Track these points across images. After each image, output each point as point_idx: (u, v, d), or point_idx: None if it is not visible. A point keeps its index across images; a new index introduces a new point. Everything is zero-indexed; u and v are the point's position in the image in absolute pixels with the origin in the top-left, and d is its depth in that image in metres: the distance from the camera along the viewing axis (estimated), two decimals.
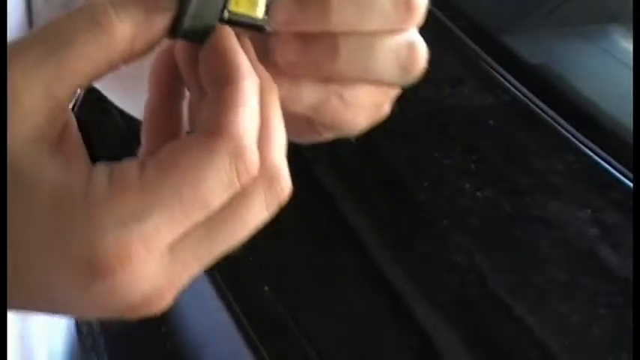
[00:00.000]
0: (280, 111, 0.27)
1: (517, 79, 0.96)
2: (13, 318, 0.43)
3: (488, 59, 0.99)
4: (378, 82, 0.31)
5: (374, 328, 0.69)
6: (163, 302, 0.27)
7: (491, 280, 0.72)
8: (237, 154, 0.25)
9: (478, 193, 0.81)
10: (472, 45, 1.02)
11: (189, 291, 0.80)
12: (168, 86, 0.28)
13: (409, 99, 1.03)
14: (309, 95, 0.29)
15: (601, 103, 0.93)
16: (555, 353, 0.66)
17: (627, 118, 0.88)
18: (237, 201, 0.26)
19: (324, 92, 0.29)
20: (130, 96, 0.35)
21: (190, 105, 0.28)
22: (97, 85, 0.37)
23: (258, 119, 0.26)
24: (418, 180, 0.82)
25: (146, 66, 0.28)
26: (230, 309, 0.70)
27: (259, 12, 0.27)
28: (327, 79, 0.29)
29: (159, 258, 0.25)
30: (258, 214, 0.26)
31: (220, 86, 0.26)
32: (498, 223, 0.78)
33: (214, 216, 0.26)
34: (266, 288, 0.71)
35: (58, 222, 0.24)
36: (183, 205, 0.25)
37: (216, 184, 0.25)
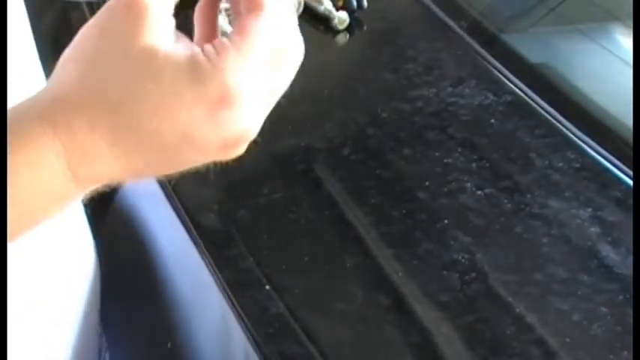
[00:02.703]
0: None
1: (518, 78, 0.96)
2: (13, 318, 0.43)
3: (489, 58, 0.99)
4: None
5: (375, 326, 0.69)
6: (249, 141, 0.39)
7: (491, 278, 0.72)
8: (278, 19, 0.40)
9: (479, 192, 0.81)
10: (473, 44, 1.02)
11: (191, 290, 0.81)
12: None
13: (410, 98, 1.04)
14: None
15: (601, 102, 0.93)
16: (556, 351, 0.66)
17: (627, 116, 0.88)
18: (284, 52, 0.40)
19: None
20: None
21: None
22: None
23: None
24: (419, 179, 0.82)
25: None
26: (231, 308, 0.70)
27: None
28: None
29: (256, 96, 0.38)
30: (296, 61, 0.41)
31: None
32: (499, 221, 0.78)
33: (274, 64, 0.39)
34: (267, 287, 0.71)
35: (196, 76, 0.36)
36: (260, 52, 0.38)
37: (271, 37, 0.39)
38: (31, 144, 0.35)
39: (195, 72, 0.36)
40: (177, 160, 0.39)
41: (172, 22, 0.38)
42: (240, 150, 0.40)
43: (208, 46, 0.38)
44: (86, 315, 0.68)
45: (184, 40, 0.39)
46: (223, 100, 0.37)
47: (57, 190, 0.36)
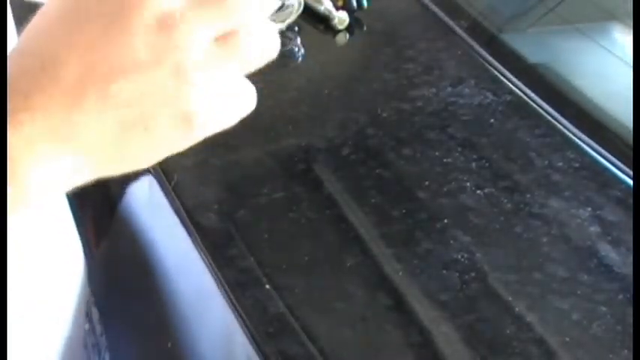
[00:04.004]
0: None
1: (517, 78, 0.96)
2: (12, 317, 0.43)
3: (489, 58, 0.99)
4: None
5: (375, 326, 0.69)
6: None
7: (491, 278, 0.72)
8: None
9: (479, 191, 0.81)
10: (472, 44, 1.02)
11: (191, 290, 0.80)
12: None
13: (410, 98, 1.04)
14: None
15: (601, 101, 0.93)
16: (556, 350, 0.67)
17: (627, 116, 0.88)
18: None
19: None
20: None
21: None
22: None
23: None
24: (419, 178, 0.82)
25: None
26: (231, 308, 0.70)
27: None
28: None
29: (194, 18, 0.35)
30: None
31: None
32: (499, 220, 0.78)
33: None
34: (267, 287, 0.71)
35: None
36: None
37: None
38: None
39: None
40: (116, 59, 0.35)
41: None
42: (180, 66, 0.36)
43: None
44: (75, 316, 0.69)
45: None
46: (161, 22, 0.35)
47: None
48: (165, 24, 0.35)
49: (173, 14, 0.35)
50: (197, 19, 0.35)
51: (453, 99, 0.93)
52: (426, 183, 0.82)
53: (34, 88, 0.34)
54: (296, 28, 1.00)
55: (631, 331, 0.67)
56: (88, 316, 0.76)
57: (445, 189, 0.81)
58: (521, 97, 0.94)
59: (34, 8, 0.38)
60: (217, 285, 0.72)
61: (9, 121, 0.33)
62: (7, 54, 0.36)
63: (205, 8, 0.36)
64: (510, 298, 0.70)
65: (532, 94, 0.94)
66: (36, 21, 0.36)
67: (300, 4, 1.01)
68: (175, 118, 0.36)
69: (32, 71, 0.34)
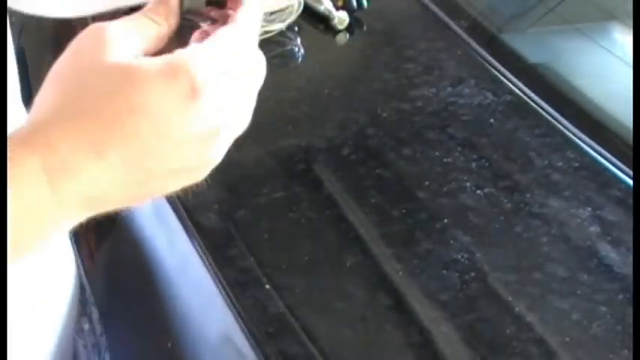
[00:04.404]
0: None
1: (517, 78, 0.96)
2: (12, 317, 0.43)
3: (489, 58, 0.99)
4: None
5: (375, 326, 0.69)
6: (218, 146, 0.42)
7: (491, 278, 0.72)
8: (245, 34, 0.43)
9: (479, 191, 0.81)
10: (472, 43, 1.02)
11: (191, 290, 0.80)
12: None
13: (410, 98, 1.04)
14: None
15: (601, 101, 0.93)
16: (556, 350, 0.67)
17: (627, 116, 0.89)
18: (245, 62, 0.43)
19: None
20: None
21: None
22: None
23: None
24: (419, 178, 0.82)
25: None
26: (231, 308, 0.70)
27: None
28: None
29: (219, 81, 0.40)
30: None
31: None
32: (499, 220, 0.78)
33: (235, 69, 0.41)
34: (267, 287, 0.71)
35: (167, 71, 0.38)
36: (224, 54, 0.41)
37: (230, 46, 0.41)
38: (10, 169, 0.35)
39: (166, 67, 0.38)
40: (159, 164, 0.39)
41: (135, 42, 0.41)
42: (211, 160, 0.43)
43: (178, 49, 0.40)
44: (64, 321, 0.68)
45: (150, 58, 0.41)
46: (195, 91, 0.38)
47: (36, 208, 0.36)
48: (211, 136, 0.40)
49: (217, 128, 0.41)
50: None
51: (453, 99, 0.93)
52: (426, 183, 0.82)
53: (83, 167, 0.37)
54: (296, 28, 1.00)
55: (631, 331, 0.67)
56: (88, 316, 0.76)
57: (445, 189, 0.81)
58: (521, 97, 0.94)
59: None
60: (217, 285, 0.72)
61: (47, 177, 0.36)
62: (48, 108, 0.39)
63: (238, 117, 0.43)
64: (510, 298, 0.70)
65: (532, 94, 0.94)
66: (80, 94, 0.39)
67: (300, 4, 1.01)
68: (185, 183, 0.43)
69: (81, 147, 0.37)
